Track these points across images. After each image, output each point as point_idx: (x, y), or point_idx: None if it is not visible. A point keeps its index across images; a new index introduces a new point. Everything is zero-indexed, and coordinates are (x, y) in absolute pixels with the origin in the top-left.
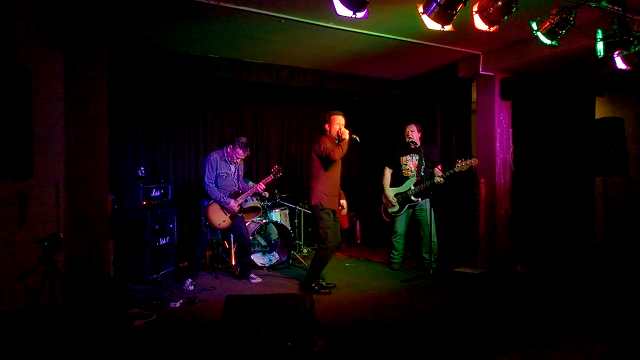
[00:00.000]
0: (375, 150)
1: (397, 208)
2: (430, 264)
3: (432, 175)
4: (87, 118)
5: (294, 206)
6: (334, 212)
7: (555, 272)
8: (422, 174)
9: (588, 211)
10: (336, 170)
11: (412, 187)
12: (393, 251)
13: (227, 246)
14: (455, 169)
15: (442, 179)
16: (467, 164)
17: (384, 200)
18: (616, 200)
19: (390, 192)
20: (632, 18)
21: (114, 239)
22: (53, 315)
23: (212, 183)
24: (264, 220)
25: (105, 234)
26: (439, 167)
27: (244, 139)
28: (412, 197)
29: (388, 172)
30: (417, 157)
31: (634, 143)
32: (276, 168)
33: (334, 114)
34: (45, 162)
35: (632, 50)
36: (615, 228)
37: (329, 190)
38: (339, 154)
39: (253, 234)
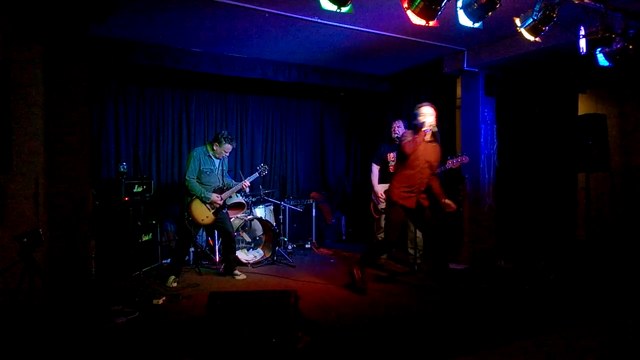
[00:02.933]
0: (360, 146)
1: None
2: (415, 260)
3: None
4: (67, 112)
5: (278, 202)
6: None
7: (538, 267)
8: None
9: (571, 206)
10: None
11: None
12: None
13: (211, 242)
14: (447, 166)
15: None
16: (457, 161)
17: (374, 197)
18: (598, 196)
19: (380, 188)
20: (614, 15)
21: (96, 235)
22: (33, 313)
23: (193, 179)
24: (248, 217)
25: (86, 230)
26: None
27: (227, 133)
28: None
29: (375, 169)
30: None
31: (615, 139)
32: (262, 166)
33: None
34: (24, 156)
35: (614, 47)
36: (597, 223)
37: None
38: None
39: (237, 230)
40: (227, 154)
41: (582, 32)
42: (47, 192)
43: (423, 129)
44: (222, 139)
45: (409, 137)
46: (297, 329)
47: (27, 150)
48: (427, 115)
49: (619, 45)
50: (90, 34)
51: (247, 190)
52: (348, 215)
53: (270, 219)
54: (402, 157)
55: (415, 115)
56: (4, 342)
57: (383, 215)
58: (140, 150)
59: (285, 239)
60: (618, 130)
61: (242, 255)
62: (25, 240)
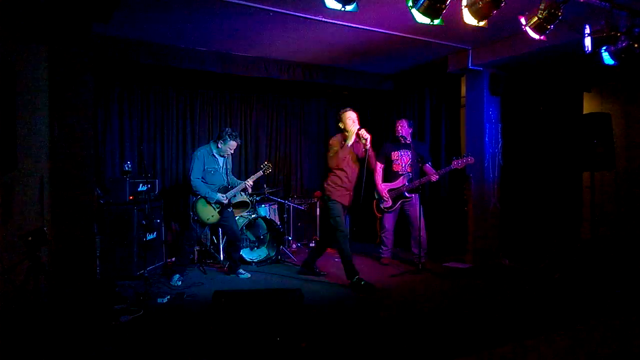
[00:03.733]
0: None
1: (390, 203)
2: (419, 259)
3: (423, 172)
4: (71, 111)
5: (283, 201)
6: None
7: (543, 266)
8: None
9: (575, 205)
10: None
11: (407, 183)
12: (382, 246)
13: (216, 241)
14: (452, 166)
15: (436, 177)
16: (463, 162)
17: (377, 196)
18: (603, 195)
19: (384, 187)
20: (619, 14)
21: (100, 234)
22: (38, 311)
23: (198, 179)
24: (253, 215)
25: (90, 229)
26: (429, 164)
27: (231, 130)
28: (406, 194)
29: (379, 168)
30: (409, 153)
31: (620, 138)
32: (266, 164)
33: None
34: (29, 155)
35: (619, 45)
36: (602, 222)
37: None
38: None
39: (242, 229)
40: (232, 151)
41: (588, 31)
42: (52, 191)
43: (352, 138)
44: (227, 136)
45: (336, 145)
46: (301, 327)
47: (32, 149)
48: (354, 119)
49: (624, 44)
50: (94, 34)
51: (250, 190)
52: (352, 214)
53: (275, 218)
54: (335, 161)
55: (343, 119)
56: (9, 340)
57: (385, 215)
58: (144, 150)
59: (290, 238)
60: (623, 129)
61: (247, 254)
62: (30, 239)
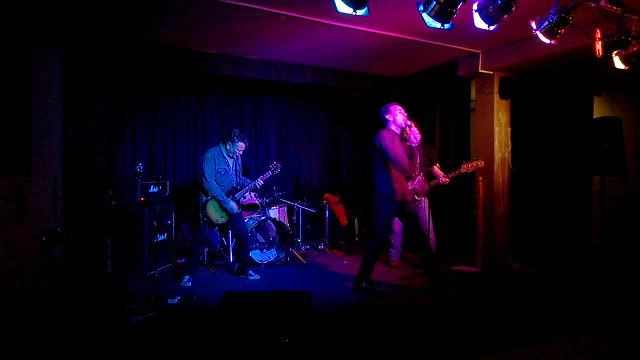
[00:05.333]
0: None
1: None
2: None
3: (430, 174)
4: (85, 113)
5: (292, 203)
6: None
7: (553, 270)
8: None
9: (585, 210)
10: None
11: (416, 187)
12: (391, 249)
13: (225, 243)
14: (462, 170)
15: (447, 179)
16: (473, 165)
17: None
18: (613, 200)
19: None
20: (631, 18)
21: (112, 234)
22: (50, 311)
23: (212, 179)
24: (262, 217)
25: (102, 229)
26: (437, 165)
27: (239, 131)
28: (416, 197)
29: None
30: (416, 155)
31: (631, 142)
32: (275, 164)
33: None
34: (43, 156)
35: (630, 50)
36: (612, 227)
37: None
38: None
39: (251, 231)
40: (241, 152)
41: (599, 35)
42: (65, 192)
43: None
44: (235, 138)
45: (389, 139)
46: (311, 329)
47: (46, 150)
48: (403, 113)
49: (635, 48)
50: (108, 36)
51: (259, 187)
52: (361, 217)
53: (284, 220)
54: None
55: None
56: (22, 338)
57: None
58: (156, 151)
59: (299, 240)
60: (634, 134)
61: (256, 255)
62: (44, 239)
